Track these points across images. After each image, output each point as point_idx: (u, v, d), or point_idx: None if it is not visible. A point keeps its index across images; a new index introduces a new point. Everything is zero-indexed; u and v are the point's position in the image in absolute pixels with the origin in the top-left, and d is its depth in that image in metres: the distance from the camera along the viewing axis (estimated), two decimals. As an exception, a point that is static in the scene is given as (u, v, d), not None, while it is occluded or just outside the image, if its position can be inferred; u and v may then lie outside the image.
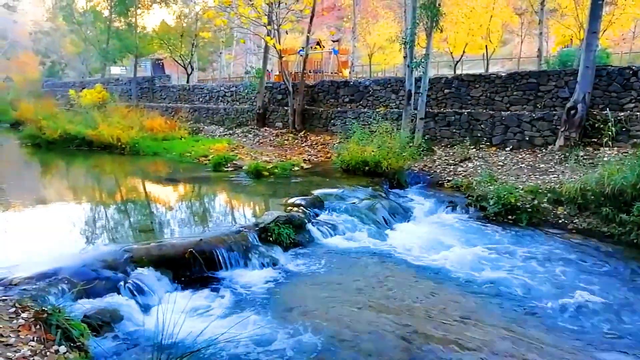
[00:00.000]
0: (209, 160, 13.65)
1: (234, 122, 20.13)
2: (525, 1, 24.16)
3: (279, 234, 7.04)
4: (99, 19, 31.40)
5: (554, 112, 11.70)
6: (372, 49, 31.47)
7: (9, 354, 3.39)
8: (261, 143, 17.20)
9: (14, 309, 4.09)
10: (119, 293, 5.10)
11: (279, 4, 16.54)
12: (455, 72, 25.35)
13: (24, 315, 4.02)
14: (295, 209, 8.12)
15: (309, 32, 18.02)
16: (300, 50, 21.80)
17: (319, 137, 16.50)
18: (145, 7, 28.59)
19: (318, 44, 25.69)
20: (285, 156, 14.16)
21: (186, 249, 6.03)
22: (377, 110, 15.24)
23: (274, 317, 4.92)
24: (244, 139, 17.96)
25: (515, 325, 4.90)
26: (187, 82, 27.18)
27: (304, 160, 13.54)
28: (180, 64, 27.79)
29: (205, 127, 20.99)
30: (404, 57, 18.21)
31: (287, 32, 18.52)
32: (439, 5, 12.88)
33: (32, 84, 41.07)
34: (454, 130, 13.31)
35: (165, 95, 25.24)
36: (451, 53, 26.55)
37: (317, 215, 8.23)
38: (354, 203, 8.88)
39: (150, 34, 29.27)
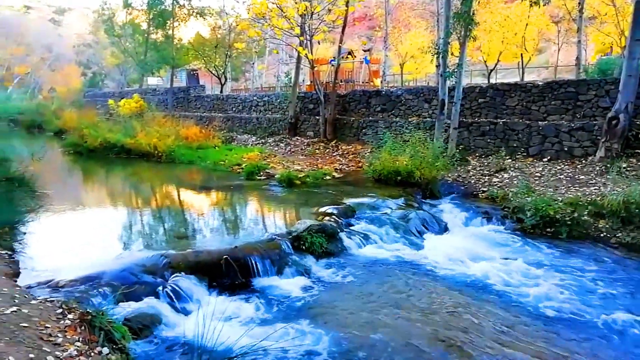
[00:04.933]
0: (242, 168, 13.86)
1: (266, 132, 20.41)
2: (562, 9, 23.59)
3: (312, 242, 7.08)
4: (138, 31, 32.61)
5: (594, 122, 11.35)
6: (404, 58, 31.41)
7: (57, 352, 3.53)
8: (293, 152, 17.35)
9: (60, 310, 4.25)
10: (157, 297, 5.24)
11: (312, 15, 16.75)
12: (489, 81, 24.97)
13: (70, 316, 4.17)
14: (328, 218, 8.15)
15: (340, 42, 18.16)
16: (332, 60, 21.95)
17: (350, 147, 16.51)
18: (182, 20, 29.49)
19: (350, 53, 25.78)
20: (317, 165, 14.24)
21: (221, 256, 6.15)
22: (410, 119, 15.15)
23: (308, 326, 4.94)
24: (276, 148, 18.17)
25: (555, 342, 4.75)
26: (221, 92, 27.78)
27: (336, 169, 13.59)
28: (214, 74, 28.46)
29: (238, 136, 21.36)
30: (437, 66, 18.08)
31: (319, 43, 18.72)
32: (473, 14, 12.75)
33: (75, 94, 42.91)
34: (489, 140, 13.07)
35: (200, 104, 25.87)
36: (485, 62, 26.19)
37: (350, 224, 8.23)
38: (386, 213, 8.84)
39: (186, 45, 30.14)
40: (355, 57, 26.59)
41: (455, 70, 12.98)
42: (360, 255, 7.27)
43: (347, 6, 16.60)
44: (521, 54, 24.87)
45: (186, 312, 5.17)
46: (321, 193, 10.94)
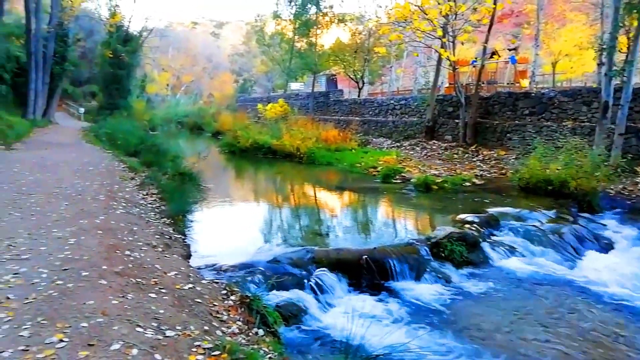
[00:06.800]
0: (377, 171, 14.03)
1: (401, 135, 20.35)
2: None
3: (452, 250, 6.88)
4: (285, 40, 35.04)
5: None
6: (557, 57, 28.49)
7: (223, 328, 4.02)
8: (429, 156, 17.01)
9: (225, 292, 4.82)
10: (303, 289, 5.60)
11: (455, 16, 16.21)
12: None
13: (232, 297, 4.71)
14: (468, 226, 7.85)
15: (485, 42, 17.24)
16: (473, 61, 20.98)
17: (492, 152, 15.60)
18: (324, 27, 30.93)
19: (494, 53, 24.31)
20: (455, 170, 13.76)
21: (361, 255, 6.33)
22: (564, 124, 13.75)
23: (447, 335, 4.84)
24: (412, 152, 17.98)
25: None
26: (358, 95, 28.47)
27: (476, 175, 12.96)
28: (352, 79, 29.27)
29: (374, 139, 21.65)
30: (598, 65, 16.12)
31: (462, 43, 18.03)
32: (651, 3, 11.09)
33: (229, 99, 47.87)
34: (665, 149, 11.24)
35: (338, 108, 26.83)
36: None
37: (492, 234, 7.82)
38: (535, 225, 8.19)
39: (327, 51, 31.52)
40: (499, 57, 25.00)
41: (623, 68, 11.43)
42: (505, 267, 6.85)
43: (494, 4, 15.70)
44: None
45: (328, 306, 5.44)
46: (460, 200, 10.59)
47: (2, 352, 2.72)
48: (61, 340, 2.92)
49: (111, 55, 29.34)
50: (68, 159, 11.29)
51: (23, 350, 2.77)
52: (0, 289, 3.60)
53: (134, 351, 2.95)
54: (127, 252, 4.92)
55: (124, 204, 7.15)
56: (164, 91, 58.07)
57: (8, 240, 4.81)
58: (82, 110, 33.01)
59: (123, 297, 3.76)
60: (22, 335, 2.93)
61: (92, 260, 4.43)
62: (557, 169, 10.21)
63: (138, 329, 3.27)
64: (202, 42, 70.94)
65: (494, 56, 24.07)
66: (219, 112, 37.39)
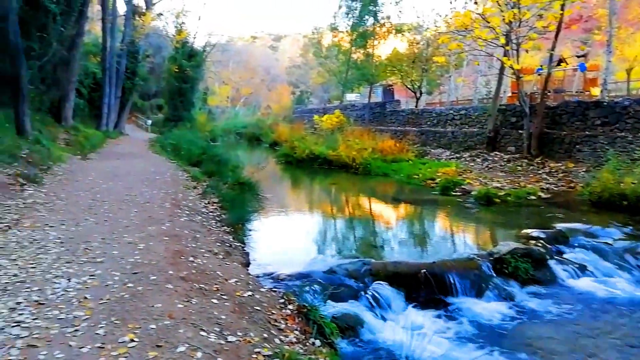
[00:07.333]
0: (436, 183, 13.72)
1: (461, 146, 19.80)
2: None
3: (516, 267, 6.56)
4: (342, 52, 35.29)
5: None
6: (632, 63, 26.64)
7: (281, 337, 4.07)
8: (490, 168, 16.41)
9: (282, 300, 4.88)
10: (359, 301, 5.55)
11: (520, 23, 15.62)
12: None
13: (290, 307, 4.76)
14: (534, 242, 7.49)
15: (552, 49, 16.47)
16: (539, 69, 20.06)
17: (560, 164, 14.79)
18: (381, 37, 30.86)
19: (561, 61, 23.14)
20: (519, 183, 13.18)
21: (419, 269, 6.19)
22: (640, 134, 12.81)
23: (516, 356, 4.59)
24: (472, 163, 17.43)
25: None
26: (416, 106, 28.05)
27: (542, 189, 12.34)
28: (409, 89, 28.92)
29: (432, 150, 21.21)
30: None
31: (527, 51, 17.31)
32: None
33: (286, 111, 48.88)
34: None
35: (395, 119, 26.59)
36: None
37: (560, 251, 7.39)
38: (608, 243, 7.66)
39: (384, 62, 31.38)
40: (567, 64, 23.76)
41: None
42: (575, 287, 6.44)
43: (562, 10, 14.97)
44: None
45: (385, 319, 5.34)
46: (524, 214, 10.15)
47: (82, 347, 2.92)
48: (132, 340, 3.08)
49: (177, 70, 30.94)
50: (137, 168, 11.97)
51: (99, 347, 2.96)
52: (79, 289, 3.86)
53: (199, 354, 3.06)
54: (191, 258, 5.11)
55: (187, 212, 7.46)
56: (224, 103, 60.29)
57: (84, 244, 5.16)
58: (149, 122, 34.97)
59: (188, 301, 3.90)
60: (98, 333, 3.13)
61: (160, 265, 4.65)
62: (633, 183, 9.53)
63: (202, 333, 3.38)
64: (261, 55, 73.37)
65: (561, 64, 22.92)
66: (276, 124, 38.24)
